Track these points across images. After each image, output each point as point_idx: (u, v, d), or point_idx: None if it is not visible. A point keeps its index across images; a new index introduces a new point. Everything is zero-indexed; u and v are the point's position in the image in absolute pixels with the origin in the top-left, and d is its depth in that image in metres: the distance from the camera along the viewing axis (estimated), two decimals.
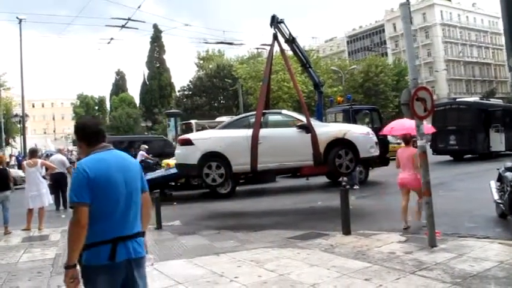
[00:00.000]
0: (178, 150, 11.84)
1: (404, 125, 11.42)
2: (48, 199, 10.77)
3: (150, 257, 3.34)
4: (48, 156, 25.04)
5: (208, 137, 11.51)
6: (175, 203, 13.92)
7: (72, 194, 2.92)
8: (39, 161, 10.75)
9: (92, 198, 2.90)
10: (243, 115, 14.11)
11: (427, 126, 11.51)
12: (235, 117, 12.95)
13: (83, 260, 2.93)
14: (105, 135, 3.27)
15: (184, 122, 21.99)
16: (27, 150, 12.53)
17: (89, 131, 3.19)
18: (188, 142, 11.39)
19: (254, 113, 12.06)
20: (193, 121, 26.84)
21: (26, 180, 10.75)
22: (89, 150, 3.14)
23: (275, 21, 13.32)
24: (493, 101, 31.30)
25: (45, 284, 5.87)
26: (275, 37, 13.10)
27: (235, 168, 11.17)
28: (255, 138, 10.91)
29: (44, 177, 10.75)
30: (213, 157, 10.97)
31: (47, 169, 11.40)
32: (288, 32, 14.22)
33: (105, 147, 3.16)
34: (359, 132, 11.56)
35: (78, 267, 2.92)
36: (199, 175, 11.36)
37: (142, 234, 3.15)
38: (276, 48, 13.29)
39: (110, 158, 3.09)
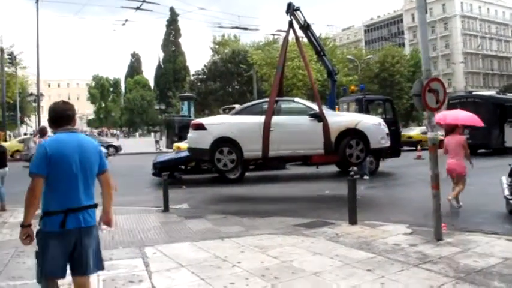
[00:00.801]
0: (191, 134, 11.93)
1: (457, 116, 11.42)
2: None
3: (101, 227, 3.98)
4: None
5: (221, 122, 11.65)
6: (184, 187, 13.97)
7: (33, 165, 3.44)
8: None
9: (48, 172, 3.42)
10: (256, 101, 14.16)
11: (475, 118, 11.49)
12: (248, 104, 12.97)
13: (40, 225, 3.50)
14: (73, 119, 3.74)
15: (227, 106, 21.97)
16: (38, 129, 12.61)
17: (54, 115, 3.70)
18: (201, 127, 11.51)
19: (267, 100, 12.14)
20: (237, 106, 26.88)
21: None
22: (54, 131, 3.69)
23: (291, 9, 13.33)
24: (509, 95, 30.80)
25: None
26: (290, 25, 13.07)
27: (247, 154, 11.28)
28: (267, 125, 11.00)
29: None
30: (225, 142, 11.07)
31: None
32: (303, 19, 14.18)
33: (69, 129, 3.65)
34: (371, 123, 11.55)
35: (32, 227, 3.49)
36: (211, 160, 11.42)
37: (94, 206, 3.69)
38: (291, 35, 13.23)
39: (69, 139, 3.57)
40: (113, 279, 5.15)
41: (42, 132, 11.32)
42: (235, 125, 11.30)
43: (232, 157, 11.09)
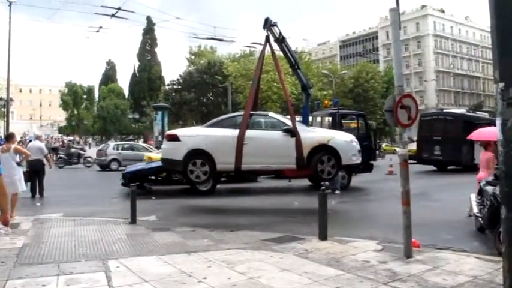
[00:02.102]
0: (165, 145, 12.16)
1: (490, 133, 11.69)
2: (21, 186, 10.41)
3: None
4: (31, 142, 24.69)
5: (195, 135, 11.75)
6: (153, 198, 13.72)
7: None
8: (13, 146, 10.41)
9: None
10: (231, 115, 14.34)
11: (492, 132, 11.72)
12: (222, 117, 13.11)
13: None
14: None
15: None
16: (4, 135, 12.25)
17: None
18: (175, 138, 11.63)
19: (241, 113, 12.39)
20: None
21: None
22: None
23: (268, 24, 13.56)
24: (479, 114, 31.43)
25: (6, 275, 5.63)
26: (267, 39, 13.30)
27: (220, 167, 11.42)
28: (240, 139, 11.14)
29: (18, 163, 10.41)
30: (198, 154, 11.18)
31: (22, 155, 11.10)
32: (278, 32, 14.23)
33: None
34: (343, 140, 11.79)
35: None
36: (183, 171, 11.48)
37: None
38: (268, 49, 13.30)
39: None
40: None
41: (8, 139, 10.92)
42: (209, 137, 11.41)
43: (205, 169, 11.19)
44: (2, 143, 25.55)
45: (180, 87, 59.95)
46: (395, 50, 7.20)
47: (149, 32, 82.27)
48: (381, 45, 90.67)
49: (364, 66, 64.30)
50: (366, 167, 17.02)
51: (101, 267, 6.04)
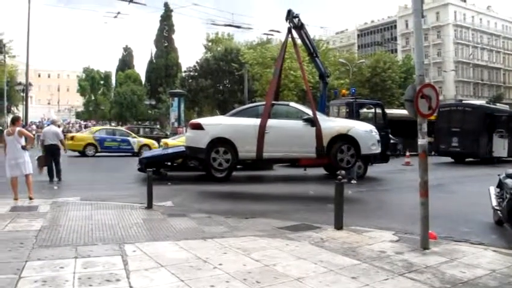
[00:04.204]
0: (189, 133, 12.76)
1: None
2: (27, 168, 10.43)
3: None
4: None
5: (218, 123, 12.24)
6: (169, 183, 13.78)
7: None
8: (17, 129, 10.47)
9: None
10: (253, 104, 15.15)
11: None
12: (245, 106, 13.86)
13: None
14: None
15: None
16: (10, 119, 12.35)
17: None
18: (199, 126, 12.10)
19: (263, 103, 12.78)
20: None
21: (6, 149, 10.50)
22: None
23: (290, 16, 13.85)
24: (499, 105, 30.96)
25: (26, 256, 5.72)
26: (289, 31, 13.82)
27: (242, 155, 11.87)
28: (262, 128, 11.52)
29: (23, 147, 10.41)
30: (221, 143, 11.64)
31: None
32: (297, 20, 14.32)
33: None
34: (362, 130, 12.02)
35: None
36: (206, 158, 11.87)
37: None
38: (289, 39, 13.76)
39: None
40: (89, 278, 4.96)
41: (13, 123, 10.99)
42: (231, 126, 11.84)
43: (228, 157, 11.66)
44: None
45: (196, 74, 59.86)
46: (416, 38, 7.05)
47: (166, 18, 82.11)
48: (399, 34, 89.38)
49: (382, 55, 63.50)
50: (382, 157, 16.89)
51: (117, 251, 6.10)
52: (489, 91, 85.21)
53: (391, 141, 25.12)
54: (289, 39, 14.02)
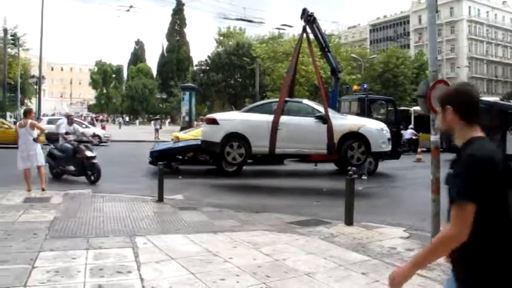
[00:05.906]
0: (205, 128, 13.17)
1: None
2: (39, 160, 10.51)
3: None
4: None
5: (232, 119, 12.58)
6: (180, 177, 13.83)
7: None
8: (29, 121, 10.55)
9: None
10: (266, 101, 15.73)
11: None
12: (259, 102, 14.25)
13: None
14: None
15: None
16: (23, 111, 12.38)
17: None
18: (214, 121, 12.48)
19: (277, 100, 13.12)
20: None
21: (18, 141, 10.61)
22: None
23: (305, 14, 14.08)
24: None
25: (39, 246, 5.80)
26: (304, 29, 14.11)
27: (255, 150, 12.17)
28: (275, 124, 11.76)
29: (35, 139, 10.47)
30: (235, 137, 11.96)
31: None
32: (309, 13, 14.41)
33: None
34: (373, 128, 12.23)
35: None
36: (221, 152, 12.18)
37: None
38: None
39: None
40: (101, 269, 5.02)
41: (25, 115, 10.98)
42: (245, 121, 12.17)
43: (241, 151, 11.96)
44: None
45: (207, 68, 60.01)
46: (430, 34, 6.98)
47: (178, 12, 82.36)
48: (412, 29, 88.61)
49: (394, 51, 63.09)
50: (393, 153, 16.79)
51: (128, 243, 6.15)
52: (503, 88, 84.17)
53: (413, 137, 25.11)
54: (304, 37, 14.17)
